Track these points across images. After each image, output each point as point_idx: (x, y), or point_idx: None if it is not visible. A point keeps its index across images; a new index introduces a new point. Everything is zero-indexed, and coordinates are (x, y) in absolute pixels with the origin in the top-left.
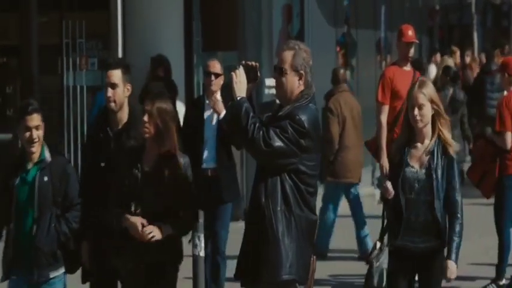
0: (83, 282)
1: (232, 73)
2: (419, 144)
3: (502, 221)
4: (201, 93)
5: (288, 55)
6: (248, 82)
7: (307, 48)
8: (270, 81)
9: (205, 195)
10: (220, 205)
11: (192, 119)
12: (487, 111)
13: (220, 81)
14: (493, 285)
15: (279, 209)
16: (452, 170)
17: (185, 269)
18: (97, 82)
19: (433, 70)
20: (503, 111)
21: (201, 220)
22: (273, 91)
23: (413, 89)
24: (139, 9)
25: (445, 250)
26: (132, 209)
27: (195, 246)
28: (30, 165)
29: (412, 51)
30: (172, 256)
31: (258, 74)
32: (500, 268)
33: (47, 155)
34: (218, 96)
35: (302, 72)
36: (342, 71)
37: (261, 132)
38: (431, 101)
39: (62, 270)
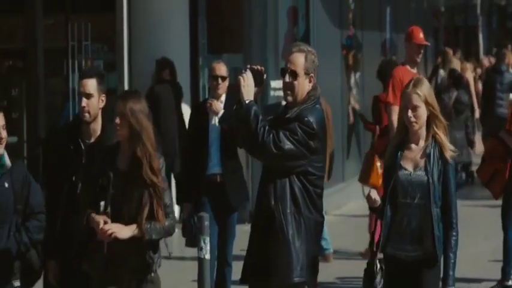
0: None
1: (240, 77)
2: (413, 146)
3: (508, 222)
4: (207, 96)
5: (300, 58)
6: (255, 86)
7: (313, 50)
8: (275, 84)
9: (215, 203)
10: (230, 211)
11: (196, 123)
12: (496, 111)
13: (226, 83)
14: (499, 286)
15: (288, 211)
16: (449, 175)
17: (191, 271)
18: None
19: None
20: None
21: (207, 223)
22: (279, 93)
23: (407, 89)
24: (145, 12)
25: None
26: (101, 208)
27: (200, 249)
28: None
29: (421, 53)
30: (139, 263)
31: (264, 77)
32: (506, 269)
33: (7, 160)
34: (223, 98)
35: (312, 74)
36: None
37: (271, 135)
38: (426, 102)
39: (17, 283)
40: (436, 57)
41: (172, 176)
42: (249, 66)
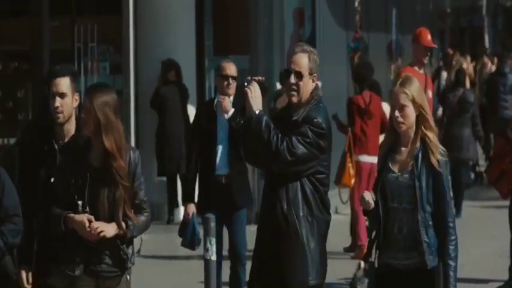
0: None
1: (247, 89)
2: (403, 148)
3: None
4: (213, 96)
5: (304, 58)
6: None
7: (314, 50)
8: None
9: (220, 203)
10: (235, 212)
11: (204, 122)
12: (500, 113)
13: (235, 84)
14: (507, 286)
15: (301, 214)
16: (440, 181)
17: (197, 272)
18: None
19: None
20: None
21: (213, 224)
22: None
23: (394, 87)
24: (151, 14)
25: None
26: (80, 208)
27: (206, 250)
28: None
29: (428, 55)
30: (114, 260)
31: (266, 86)
32: None
33: None
34: (232, 99)
35: (315, 74)
36: None
37: (285, 142)
38: (414, 102)
39: None
40: (441, 59)
41: (178, 177)
42: (251, 78)
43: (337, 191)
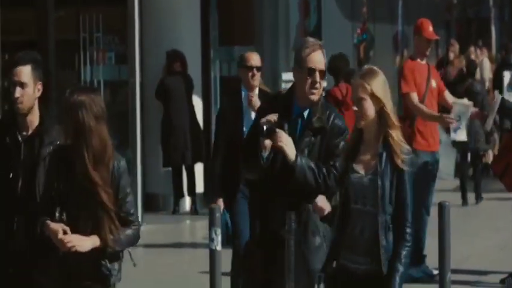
0: None
1: (276, 140)
2: (367, 147)
3: None
4: (218, 87)
5: (322, 56)
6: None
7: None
8: (286, 76)
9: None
10: None
11: (230, 116)
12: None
13: (259, 74)
14: (511, 279)
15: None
16: (402, 182)
17: (202, 263)
18: (114, 77)
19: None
20: None
21: (218, 214)
22: (289, 85)
23: (355, 78)
24: (156, 4)
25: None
26: (57, 215)
27: (211, 240)
28: None
29: (430, 47)
30: (94, 275)
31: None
32: None
33: None
34: (257, 91)
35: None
36: None
37: (331, 174)
38: (373, 96)
39: None
40: (447, 50)
41: (183, 168)
42: (266, 120)
43: None
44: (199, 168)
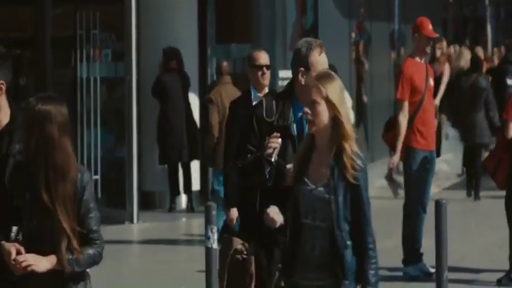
0: None
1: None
2: (319, 156)
3: None
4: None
5: (326, 58)
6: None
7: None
8: (283, 73)
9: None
10: None
11: (239, 115)
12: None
13: (269, 73)
14: (507, 277)
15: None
16: (358, 196)
17: (198, 261)
18: (111, 74)
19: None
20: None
21: (214, 212)
22: (286, 83)
23: (310, 80)
24: (153, 1)
25: None
26: (13, 234)
27: (207, 238)
28: None
29: (430, 46)
30: None
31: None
32: None
33: None
34: (267, 90)
35: None
36: (225, 64)
37: None
38: (328, 100)
39: None
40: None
41: (180, 165)
42: (272, 151)
43: None
44: (195, 165)
